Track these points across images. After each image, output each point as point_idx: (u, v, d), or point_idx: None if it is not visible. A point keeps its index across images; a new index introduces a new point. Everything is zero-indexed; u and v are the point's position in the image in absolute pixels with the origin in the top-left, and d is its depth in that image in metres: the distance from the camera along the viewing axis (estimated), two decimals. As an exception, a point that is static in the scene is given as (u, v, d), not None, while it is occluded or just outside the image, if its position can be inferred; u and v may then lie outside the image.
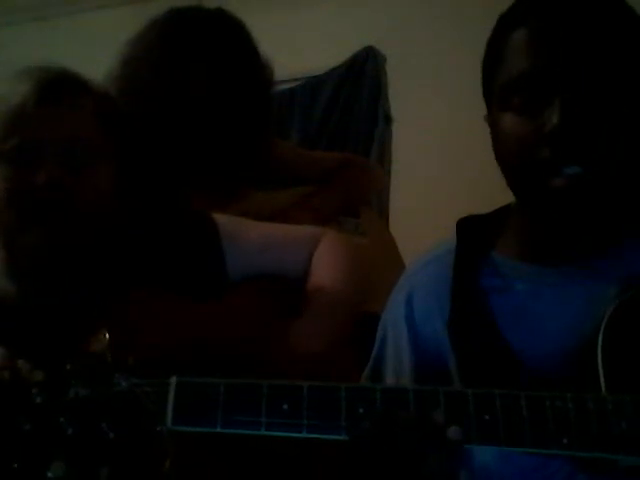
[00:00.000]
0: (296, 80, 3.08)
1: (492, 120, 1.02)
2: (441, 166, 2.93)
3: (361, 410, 0.83)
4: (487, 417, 0.83)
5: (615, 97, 0.94)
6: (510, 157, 0.99)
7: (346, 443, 0.83)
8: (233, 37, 1.51)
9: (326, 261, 1.29)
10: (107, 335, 0.84)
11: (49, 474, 0.76)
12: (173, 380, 0.83)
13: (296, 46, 2.99)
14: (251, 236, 1.30)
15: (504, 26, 1.01)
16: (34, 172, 1.12)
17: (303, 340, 1.19)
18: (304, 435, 0.82)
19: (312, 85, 3.11)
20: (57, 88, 1.17)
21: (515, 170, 0.99)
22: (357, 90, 3.03)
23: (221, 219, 1.30)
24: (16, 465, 0.76)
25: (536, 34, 0.97)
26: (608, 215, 0.99)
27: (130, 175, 1.23)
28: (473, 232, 1.09)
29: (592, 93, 0.93)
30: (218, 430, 0.82)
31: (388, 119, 2.98)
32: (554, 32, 0.96)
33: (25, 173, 1.13)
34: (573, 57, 0.94)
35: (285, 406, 0.82)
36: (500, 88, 1.00)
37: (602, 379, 0.88)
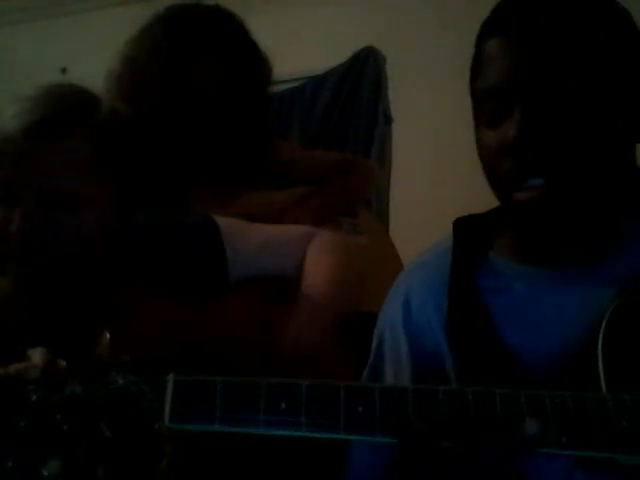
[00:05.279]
0: (296, 80, 3.08)
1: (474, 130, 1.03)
2: (441, 166, 2.93)
3: (360, 409, 0.82)
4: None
5: (576, 107, 0.93)
6: (484, 168, 1.01)
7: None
8: (234, 33, 1.52)
9: (317, 259, 1.29)
10: (108, 336, 0.84)
11: (44, 472, 0.76)
12: (170, 378, 0.83)
13: (296, 46, 2.99)
14: (250, 237, 1.30)
15: (480, 37, 1.02)
16: (11, 217, 1.08)
17: (292, 330, 1.18)
18: (303, 433, 0.82)
19: (312, 85, 3.11)
20: (49, 126, 1.10)
21: (489, 181, 1.00)
22: (357, 90, 3.02)
23: (221, 221, 1.30)
24: (11, 463, 0.75)
25: (502, 46, 0.97)
26: (594, 218, 0.98)
27: (131, 189, 1.18)
28: (470, 232, 1.09)
29: (551, 104, 0.93)
30: (216, 428, 0.82)
31: (388, 119, 2.97)
32: (517, 44, 0.96)
33: (3, 215, 1.09)
34: (533, 68, 0.94)
35: (283, 404, 0.82)
36: (473, 100, 1.01)
37: (602, 378, 0.87)
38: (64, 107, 1.13)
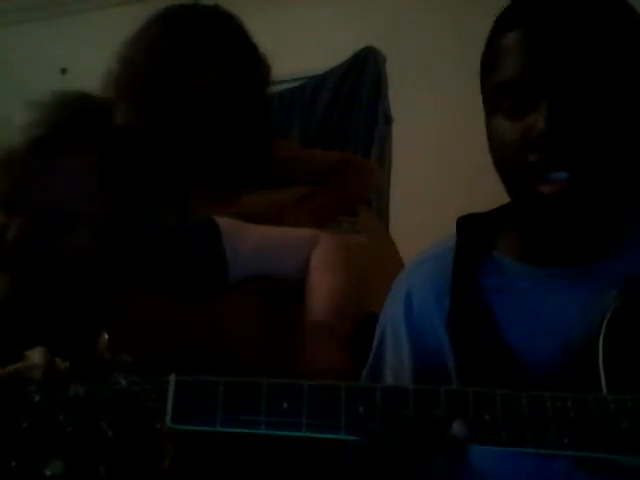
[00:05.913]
0: (296, 80, 3.08)
1: (486, 123, 1.03)
2: (441, 166, 2.93)
3: (361, 409, 0.82)
4: (487, 417, 0.83)
5: (604, 100, 0.94)
6: (500, 161, 1.00)
7: (351, 443, 0.83)
8: (233, 33, 1.51)
9: (323, 267, 1.29)
10: (106, 336, 0.84)
11: (47, 472, 0.76)
12: (172, 378, 0.83)
13: (296, 46, 2.99)
14: (249, 238, 1.30)
15: (497, 29, 1.01)
16: (10, 223, 1.08)
17: (315, 364, 1.18)
18: (304, 434, 0.82)
19: (312, 85, 3.12)
20: (54, 142, 1.10)
21: (505, 175, 1.00)
22: (357, 90, 3.03)
23: (220, 221, 1.30)
24: (14, 463, 0.76)
25: (525, 38, 0.97)
26: (605, 217, 0.99)
27: (131, 192, 1.18)
28: (474, 230, 1.09)
29: (579, 97, 0.93)
30: (217, 429, 0.82)
31: (388, 119, 2.98)
32: (542, 36, 0.96)
33: (3, 220, 1.09)
34: (560, 61, 0.94)
35: (285, 405, 0.82)
36: (490, 91, 1.01)
37: (603, 378, 0.88)
38: (71, 121, 1.13)
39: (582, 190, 0.94)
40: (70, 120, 1.12)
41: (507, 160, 0.98)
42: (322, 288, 1.27)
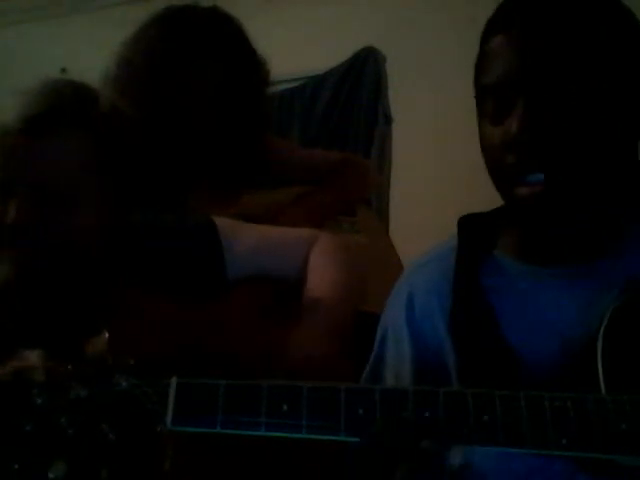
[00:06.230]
0: (296, 80, 3.08)
1: (478, 126, 1.04)
2: (440, 166, 2.93)
3: (360, 411, 0.83)
4: (486, 418, 0.83)
5: (579, 103, 0.94)
6: (487, 164, 1.01)
7: (353, 445, 0.83)
8: (232, 35, 1.52)
9: (321, 264, 1.29)
10: (107, 336, 0.84)
11: (50, 474, 0.77)
12: (173, 381, 0.83)
13: (296, 46, 2.99)
14: (248, 237, 1.30)
15: (485, 33, 1.02)
16: (6, 207, 1.09)
17: (303, 346, 1.18)
18: (303, 436, 0.83)
19: (312, 85, 3.12)
20: (46, 121, 1.11)
21: (491, 177, 1.01)
22: (357, 90, 3.03)
23: (218, 221, 1.30)
24: (17, 465, 0.76)
25: (507, 42, 0.98)
26: (586, 218, 0.99)
27: (129, 189, 1.19)
28: (475, 230, 1.09)
29: (554, 100, 0.93)
30: (218, 430, 0.82)
31: (388, 119, 2.98)
32: (522, 40, 0.96)
33: (0, 206, 1.09)
34: (537, 64, 0.94)
35: (285, 407, 0.82)
36: (477, 95, 1.01)
37: (601, 378, 0.88)
38: (62, 102, 1.13)
39: (558, 192, 0.94)
40: (61, 102, 1.13)
41: (491, 163, 1.00)
42: (325, 281, 1.27)
